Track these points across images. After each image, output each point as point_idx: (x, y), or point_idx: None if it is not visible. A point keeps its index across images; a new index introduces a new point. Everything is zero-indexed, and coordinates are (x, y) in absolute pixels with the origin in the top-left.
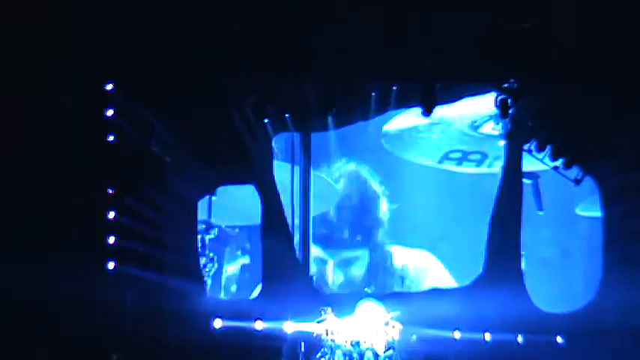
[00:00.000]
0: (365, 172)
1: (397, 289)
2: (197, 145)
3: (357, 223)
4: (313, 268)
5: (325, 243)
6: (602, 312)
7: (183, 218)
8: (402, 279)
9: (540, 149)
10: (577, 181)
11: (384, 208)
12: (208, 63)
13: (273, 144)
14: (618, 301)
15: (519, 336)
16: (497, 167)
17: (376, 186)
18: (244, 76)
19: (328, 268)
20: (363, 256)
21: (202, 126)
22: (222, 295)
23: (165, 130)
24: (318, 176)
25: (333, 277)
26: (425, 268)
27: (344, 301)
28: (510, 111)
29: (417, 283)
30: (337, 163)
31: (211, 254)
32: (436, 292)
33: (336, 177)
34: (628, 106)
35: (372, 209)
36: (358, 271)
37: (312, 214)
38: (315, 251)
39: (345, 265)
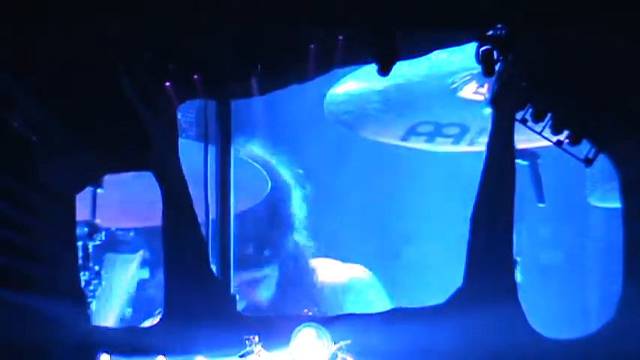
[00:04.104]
0: (270, 157)
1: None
2: (74, 119)
3: (263, 232)
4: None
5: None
6: (623, 336)
7: (57, 218)
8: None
9: (538, 118)
10: (588, 161)
11: (296, 202)
12: (89, 10)
13: (178, 116)
14: None
15: None
16: (481, 144)
17: (287, 176)
18: (136, 24)
19: None
20: (272, 274)
21: (81, 94)
22: (111, 322)
23: (30, 100)
24: (242, 159)
25: None
26: (352, 286)
27: (277, 327)
28: (497, 67)
29: (340, 307)
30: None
31: (97, 267)
32: (400, 314)
33: None
34: None
35: (282, 210)
36: (265, 293)
37: (233, 211)
38: None
39: (249, 286)
